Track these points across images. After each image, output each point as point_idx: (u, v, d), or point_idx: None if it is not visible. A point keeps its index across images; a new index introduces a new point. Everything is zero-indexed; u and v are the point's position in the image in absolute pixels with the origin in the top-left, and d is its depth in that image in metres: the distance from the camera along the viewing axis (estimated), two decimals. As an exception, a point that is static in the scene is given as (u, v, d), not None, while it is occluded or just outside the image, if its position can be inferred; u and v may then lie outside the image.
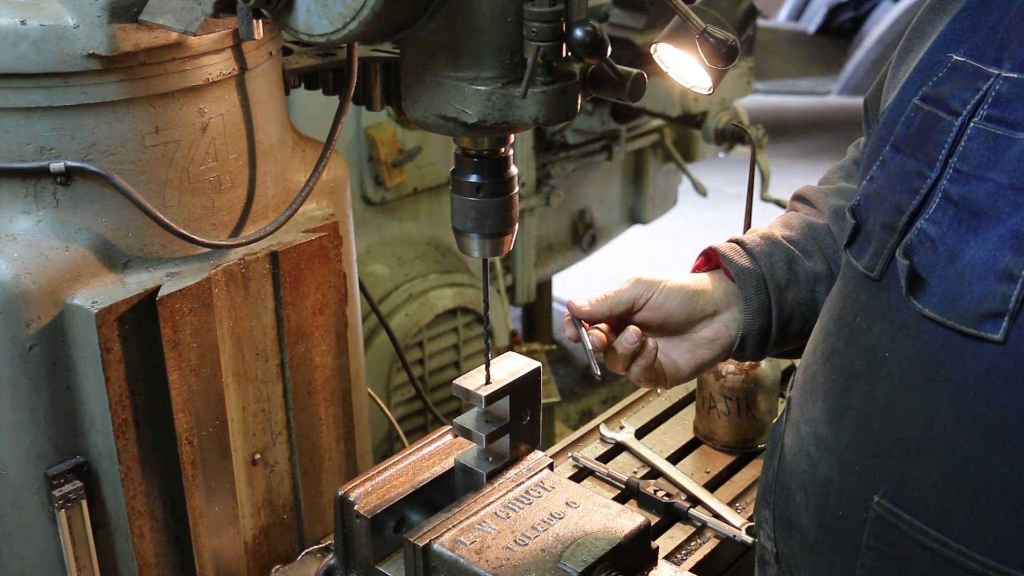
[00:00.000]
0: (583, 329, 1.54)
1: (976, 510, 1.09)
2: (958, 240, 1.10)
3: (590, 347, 1.52)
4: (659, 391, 2.24)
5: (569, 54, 1.35)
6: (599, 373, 1.52)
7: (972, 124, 1.11)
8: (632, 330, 1.53)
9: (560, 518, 1.58)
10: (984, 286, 1.06)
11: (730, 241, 1.60)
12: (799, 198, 1.68)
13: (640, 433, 2.09)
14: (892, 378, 1.16)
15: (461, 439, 1.72)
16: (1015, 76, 1.10)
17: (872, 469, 1.19)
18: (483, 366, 1.64)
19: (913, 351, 1.14)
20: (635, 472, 1.97)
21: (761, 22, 8.38)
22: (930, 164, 1.14)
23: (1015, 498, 1.06)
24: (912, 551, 1.15)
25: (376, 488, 1.64)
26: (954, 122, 1.13)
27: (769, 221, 1.73)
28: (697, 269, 1.62)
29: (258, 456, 1.86)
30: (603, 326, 1.55)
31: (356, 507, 1.59)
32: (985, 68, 1.13)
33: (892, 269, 1.17)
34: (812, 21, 10.42)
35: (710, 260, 1.61)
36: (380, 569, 1.61)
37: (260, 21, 1.40)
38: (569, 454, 2.01)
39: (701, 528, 1.83)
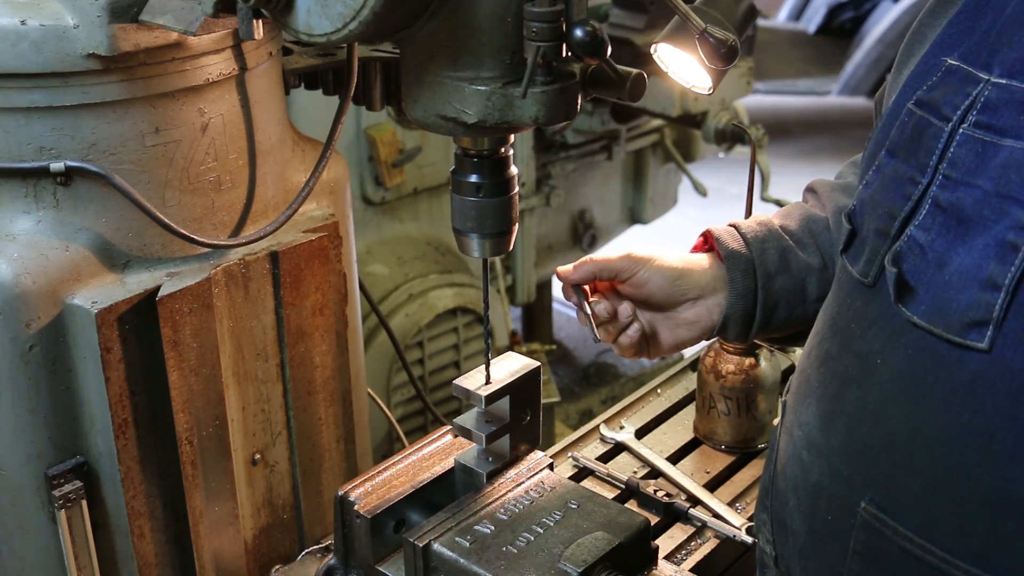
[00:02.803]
0: (584, 298, 1.65)
1: (959, 518, 1.09)
2: (946, 247, 1.09)
3: (589, 312, 1.64)
4: (659, 391, 2.24)
5: (569, 54, 1.35)
6: (598, 337, 1.65)
7: (961, 130, 1.10)
8: (627, 303, 1.65)
9: (560, 518, 1.58)
10: (969, 294, 1.06)
11: (729, 225, 1.66)
12: (810, 190, 1.73)
13: (640, 433, 2.09)
14: (882, 385, 1.16)
15: (461, 439, 1.71)
16: (1004, 82, 1.09)
17: (860, 475, 1.19)
18: (483, 366, 1.65)
19: (902, 358, 1.14)
20: (635, 472, 1.96)
21: (761, 22, 8.39)
22: (922, 170, 1.14)
23: (998, 506, 1.06)
24: (897, 557, 1.15)
25: (376, 488, 1.64)
26: (944, 128, 1.12)
27: (769, 220, 1.74)
28: (696, 249, 1.69)
29: (258, 456, 1.86)
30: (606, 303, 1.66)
31: (356, 507, 1.59)
32: (976, 73, 1.12)
33: (884, 275, 1.16)
34: (812, 21, 10.43)
35: (708, 241, 1.67)
36: (380, 569, 1.61)
37: (260, 21, 1.40)
38: (569, 454, 2.01)
39: (701, 528, 1.83)
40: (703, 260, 1.64)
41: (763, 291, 1.59)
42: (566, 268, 1.66)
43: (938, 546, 1.10)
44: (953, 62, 1.16)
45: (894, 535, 1.14)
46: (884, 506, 1.16)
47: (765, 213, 1.70)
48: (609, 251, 1.69)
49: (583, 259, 1.66)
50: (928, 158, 1.13)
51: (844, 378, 1.23)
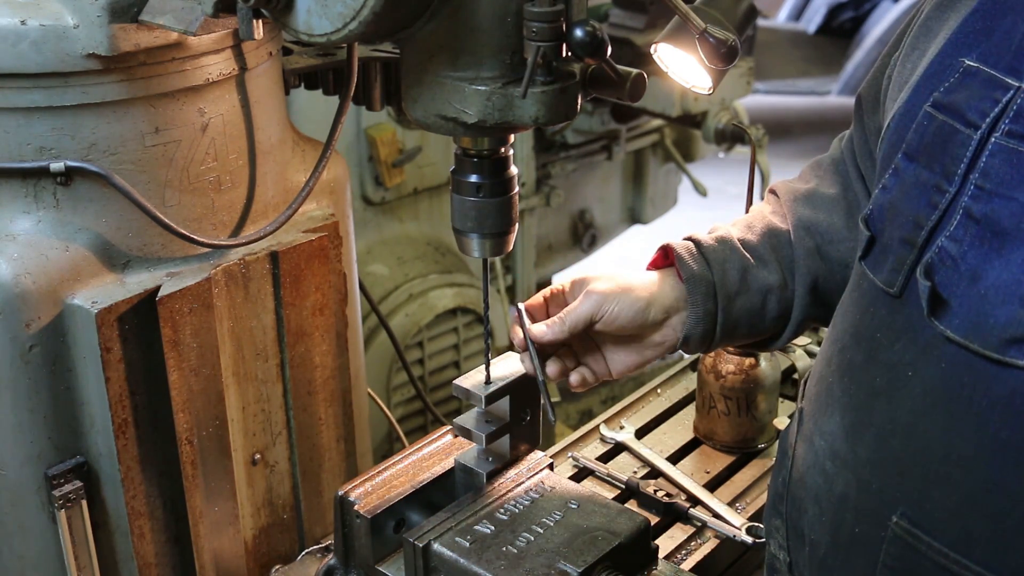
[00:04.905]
0: (537, 359, 1.54)
1: (997, 533, 1.08)
2: (980, 260, 1.07)
3: (541, 378, 1.55)
4: (659, 391, 2.24)
5: (569, 54, 1.35)
6: (553, 417, 1.55)
7: (993, 139, 1.08)
8: (577, 374, 1.58)
9: (560, 518, 1.58)
10: (1009, 311, 1.04)
11: (688, 239, 1.59)
12: (772, 192, 1.65)
13: (640, 433, 2.09)
14: (914, 398, 1.14)
15: (461, 439, 1.71)
16: None
17: (891, 488, 1.17)
18: (483, 366, 1.64)
19: (936, 372, 1.12)
20: (635, 472, 1.96)
21: (761, 22, 8.38)
22: (948, 178, 1.11)
23: None
24: (930, 572, 1.13)
25: (376, 488, 1.64)
26: (973, 136, 1.10)
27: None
28: (654, 264, 1.61)
29: (258, 456, 1.86)
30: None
31: (356, 507, 1.59)
32: (1002, 77, 1.09)
33: (912, 286, 1.14)
34: (812, 21, 10.42)
35: (668, 256, 1.59)
36: (380, 569, 1.61)
37: (260, 21, 1.40)
38: (569, 454, 2.01)
39: (701, 528, 1.83)
40: (665, 281, 1.56)
41: (723, 312, 1.54)
42: (540, 332, 1.54)
43: (974, 561, 1.09)
44: (972, 63, 1.13)
45: (928, 550, 1.13)
46: (917, 521, 1.14)
47: (726, 224, 1.62)
48: (565, 279, 1.60)
49: (554, 320, 1.54)
50: (955, 166, 1.10)
51: (871, 389, 1.20)
